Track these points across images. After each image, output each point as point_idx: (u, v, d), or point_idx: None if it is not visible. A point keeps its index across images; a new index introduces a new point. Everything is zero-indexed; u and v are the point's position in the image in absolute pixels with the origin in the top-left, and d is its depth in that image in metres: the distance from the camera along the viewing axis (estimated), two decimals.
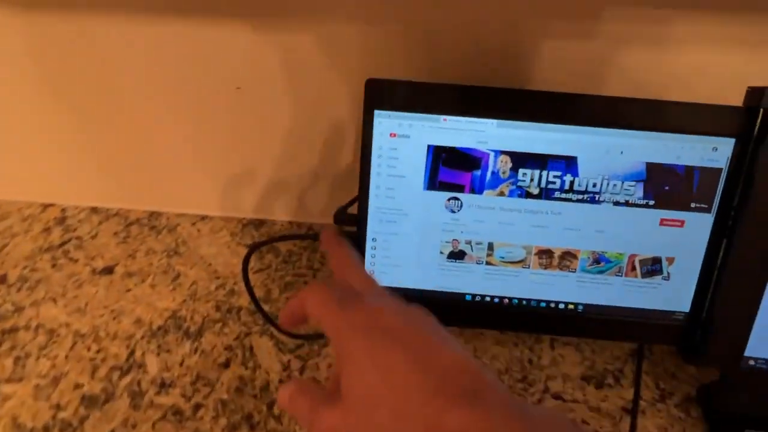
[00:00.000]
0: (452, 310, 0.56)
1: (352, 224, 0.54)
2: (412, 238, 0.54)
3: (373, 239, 0.54)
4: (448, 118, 0.50)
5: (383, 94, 0.50)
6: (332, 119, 0.67)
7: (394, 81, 0.50)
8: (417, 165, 0.52)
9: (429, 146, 0.51)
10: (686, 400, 0.59)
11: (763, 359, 0.54)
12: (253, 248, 0.56)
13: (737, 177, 0.50)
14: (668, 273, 0.54)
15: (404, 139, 0.51)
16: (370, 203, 0.53)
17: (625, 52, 0.59)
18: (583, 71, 0.60)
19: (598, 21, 0.57)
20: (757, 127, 0.48)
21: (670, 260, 0.53)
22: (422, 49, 0.60)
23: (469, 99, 0.50)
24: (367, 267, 0.55)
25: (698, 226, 0.52)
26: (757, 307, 0.52)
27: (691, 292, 0.54)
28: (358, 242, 0.54)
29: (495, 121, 0.50)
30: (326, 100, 0.66)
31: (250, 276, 0.61)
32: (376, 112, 0.51)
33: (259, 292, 0.67)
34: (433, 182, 0.52)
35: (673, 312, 0.55)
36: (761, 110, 0.48)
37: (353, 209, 0.55)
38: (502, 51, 0.60)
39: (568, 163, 0.51)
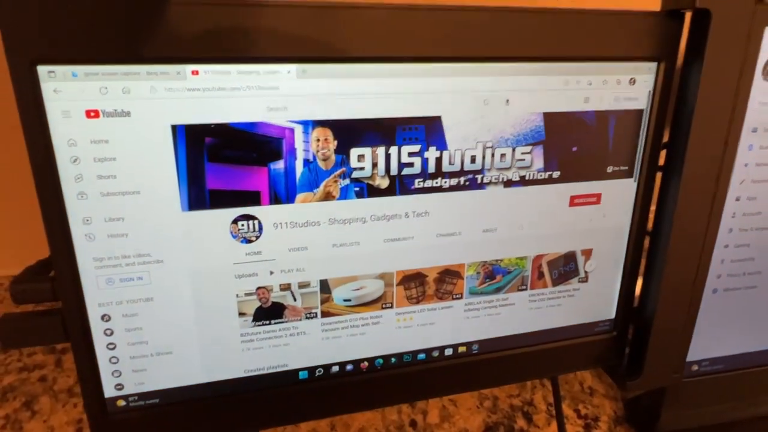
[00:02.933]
0: (279, 401, 0.33)
1: (52, 299, 0.27)
2: (180, 300, 0.29)
3: (104, 318, 0.28)
4: (202, 68, 0.26)
5: (51, 30, 0.24)
6: None
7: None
8: (159, 167, 0.26)
9: (176, 127, 0.26)
10: (615, 423, 0.44)
11: (707, 360, 0.40)
12: None
13: (663, 120, 0.34)
14: (586, 272, 0.36)
15: (121, 120, 0.25)
16: (77, 255, 0.27)
17: None
18: None
19: None
20: (685, 41, 0.32)
21: (587, 253, 0.36)
22: None
23: (231, 24, 0.26)
24: (108, 370, 0.29)
25: (618, 198, 0.35)
26: (701, 294, 0.37)
27: (615, 292, 0.38)
28: (71, 331, 0.28)
29: (294, 67, 0.27)
30: None
31: None
32: (41, 70, 0.24)
33: None
34: (200, 195, 0.27)
35: (596, 323, 0.38)
36: (690, 13, 0.31)
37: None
38: None
39: (429, 129, 0.30)
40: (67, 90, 0.25)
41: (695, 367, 0.40)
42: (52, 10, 0.23)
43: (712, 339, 0.39)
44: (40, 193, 0.25)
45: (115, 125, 0.26)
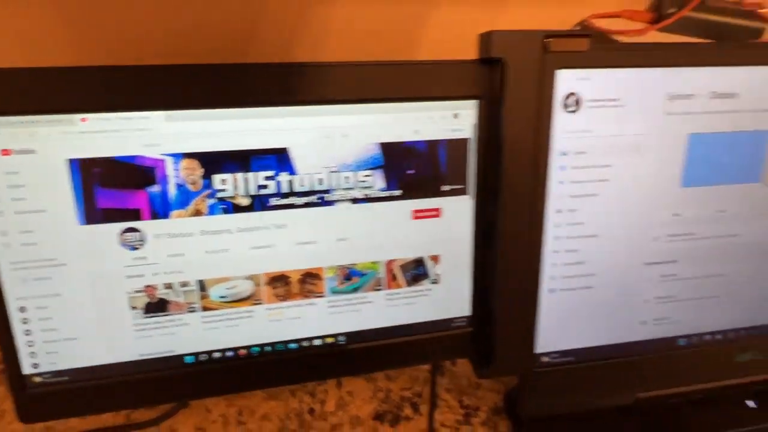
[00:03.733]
0: (168, 381, 0.40)
1: None
2: (82, 295, 0.37)
3: (21, 309, 0.36)
4: (89, 116, 0.34)
5: None
6: None
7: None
8: (59, 191, 0.35)
9: (70, 161, 0.34)
10: (494, 413, 0.50)
11: (557, 352, 0.46)
12: None
13: (492, 146, 0.41)
14: (436, 274, 0.43)
15: (28, 156, 0.34)
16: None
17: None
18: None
19: None
20: (493, 88, 0.39)
21: (435, 259, 0.43)
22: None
23: (118, 85, 0.34)
24: (26, 351, 0.37)
25: (457, 211, 0.42)
26: (537, 294, 0.43)
27: (467, 292, 0.44)
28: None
29: (162, 113, 0.35)
30: None
31: None
32: None
33: None
34: (92, 212, 0.36)
35: (453, 319, 0.45)
36: (500, 61, 0.38)
37: None
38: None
39: (280, 158, 0.37)
40: None
41: (546, 359, 0.46)
42: None
43: (560, 333, 0.45)
44: None
45: (24, 160, 0.34)
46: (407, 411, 0.50)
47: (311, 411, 0.50)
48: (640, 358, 0.47)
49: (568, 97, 0.39)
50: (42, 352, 0.38)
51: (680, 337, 0.48)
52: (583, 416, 0.49)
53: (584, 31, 0.38)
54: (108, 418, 0.47)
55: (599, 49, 0.39)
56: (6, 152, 0.34)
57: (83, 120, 0.34)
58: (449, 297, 0.44)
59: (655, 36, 0.50)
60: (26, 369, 0.38)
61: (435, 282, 0.43)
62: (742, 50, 0.42)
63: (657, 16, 0.49)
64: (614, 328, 0.46)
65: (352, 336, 0.43)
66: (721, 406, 0.50)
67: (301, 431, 0.48)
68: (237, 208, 0.38)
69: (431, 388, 0.48)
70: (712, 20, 0.49)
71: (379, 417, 0.49)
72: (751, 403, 0.50)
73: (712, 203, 0.44)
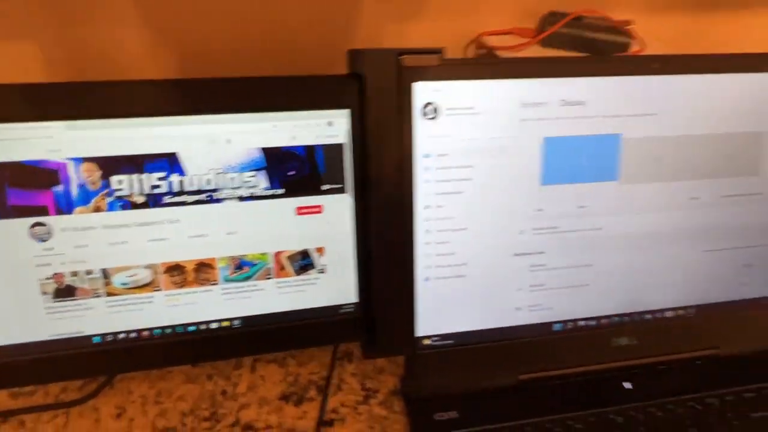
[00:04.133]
0: (77, 358, 0.45)
1: None
2: (2, 282, 0.43)
3: None
4: (12, 127, 0.40)
5: None
6: None
7: None
8: None
9: None
10: (391, 395, 0.55)
11: (437, 335, 0.51)
12: None
13: (367, 150, 0.46)
14: (323, 265, 0.48)
15: None
16: None
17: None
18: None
19: None
20: (360, 100, 0.45)
21: (320, 251, 0.48)
22: None
23: (20, 99, 0.40)
24: None
25: (338, 208, 0.47)
26: (413, 282, 0.48)
27: (352, 281, 0.49)
28: None
29: (62, 123, 0.41)
30: None
31: None
32: None
33: None
34: (3, 208, 0.41)
35: (341, 306, 0.50)
36: (360, 79, 0.44)
37: None
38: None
39: (170, 161, 0.43)
40: None
41: (427, 341, 0.51)
42: None
43: (439, 318, 0.50)
44: None
45: None
46: (312, 393, 0.55)
47: (224, 392, 0.55)
48: (519, 341, 0.52)
49: (426, 106, 0.44)
50: None
51: (555, 322, 0.53)
52: (469, 396, 0.53)
53: (435, 48, 0.43)
54: (38, 399, 0.52)
55: (450, 63, 0.44)
56: None
57: None
58: (336, 285, 0.49)
59: (537, 51, 0.56)
60: None
61: (321, 272, 0.49)
62: (586, 63, 0.47)
63: (541, 32, 0.55)
64: (491, 314, 0.51)
65: (247, 320, 0.48)
66: (599, 387, 0.54)
67: (212, 410, 0.53)
68: (134, 205, 0.43)
69: (329, 370, 0.53)
70: (585, 36, 0.55)
71: (284, 398, 0.54)
72: (627, 385, 0.54)
73: (573, 200, 0.49)
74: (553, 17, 0.56)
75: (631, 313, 0.54)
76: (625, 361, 0.55)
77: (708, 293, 0.55)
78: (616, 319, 0.54)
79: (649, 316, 0.54)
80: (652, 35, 0.57)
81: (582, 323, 0.53)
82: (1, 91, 0.40)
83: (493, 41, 0.58)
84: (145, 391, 0.54)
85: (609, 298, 0.53)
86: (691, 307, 0.55)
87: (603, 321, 0.53)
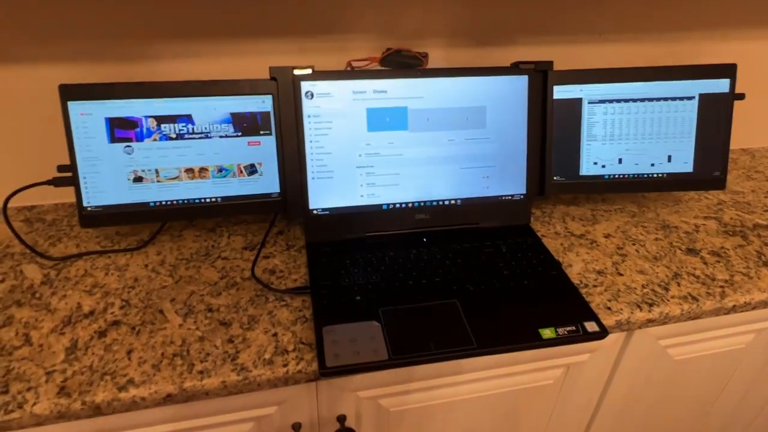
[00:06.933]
0: (142, 214, 0.96)
1: (69, 171, 0.92)
2: (108, 173, 0.94)
3: (84, 178, 0.93)
4: (118, 101, 0.91)
5: (74, 92, 0.90)
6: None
7: (82, 84, 0.90)
8: (100, 130, 0.92)
9: (106, 119, 0.92)
10: (302, 247, 1.05)
11: (321, 208, 1.01)
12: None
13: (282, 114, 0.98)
14: (261, 172, 0.99)
15: (88, 117, 0.91)
16: (78, 156, 0.92)
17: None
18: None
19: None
20: (277, 90, 0.96)
21: (260, 164, 0.99)
22: None
23: (124, 89, 0.92)
24: (84, 191, 0.93)
25: (268, 143, 0.98)
26: (306, 180, 0.99)
27: (277, 180, 1.00)
28: (75, 180, 0.92)
29: (143, 100, 0.92)
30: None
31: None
32: (69, 103, 0.90)
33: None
34: (113, 138, 0.93)
35: (271, 194, 1.01)
36: (276, 81, 0.96)
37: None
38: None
39: (189, 119, 0.94)
40: (76, 107, 0.91)
41: (316, 212, 1.01)
42: (79, 89, 0.90)
43: (321, 198, 1.01)
44: (67, 138, 0.91)
45: (88, 119, 0.91)
46: (258, 245, 1.05)
47: (214, 245, 1.05)
48: (364, 214, 1.03)
49: (306, 93, 0.96)
50: (91, 192, 0.94)
51: (383, 204, 1.03)
52: (338, 242, 1.03)
53: (310, 66, 0.94)
54: (113, 245, 1.03)
55: (317, 73, 0.96)
56: (83, 114, 0.91)
57: (115, 102, 0.92)
58: (268, 182, 1.00)
59: (378, 66, 1.08)
60: None
61: (261, 175, 0.99)
62: (389, 72, 0.99)
63: (381, 58, 1.07)
64: (347, 198, 1.02)
65: (225, 198, 0.99)
66: (409, 240, 1.04)
67: (205, 252, 1.03)
68: (171, 138, 0.95)
69: (265, 235, 1.04)
70: (400, 59, 1.07)
71: (246, 248, 1.05)
72: (425, 240, 1.04)
73: (385, 139, 1.00)
74: (388, 50, 1.09)
75: (424, 201, 1.04)
76: (423, 228, 1.05)
77: (467, 192, 1.06)
78: (416, 204, 1.04)
79: (435, 203, 1.05)
80: (444, 61, 1.10)
81: (397, 205, 1.04)
82: (114, 87, 0.91)
83: (356, 62, 1.11)
84: (170, 244, 1.05)
85: (411, 192, 1.04)
86: (458, 199, 1.06)
87: (409, 204, 1.04)
